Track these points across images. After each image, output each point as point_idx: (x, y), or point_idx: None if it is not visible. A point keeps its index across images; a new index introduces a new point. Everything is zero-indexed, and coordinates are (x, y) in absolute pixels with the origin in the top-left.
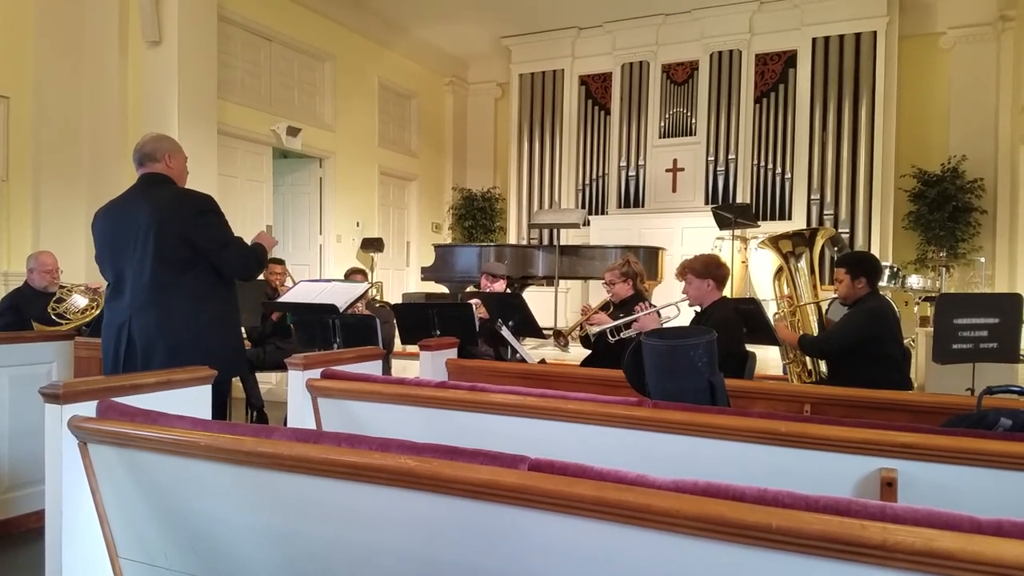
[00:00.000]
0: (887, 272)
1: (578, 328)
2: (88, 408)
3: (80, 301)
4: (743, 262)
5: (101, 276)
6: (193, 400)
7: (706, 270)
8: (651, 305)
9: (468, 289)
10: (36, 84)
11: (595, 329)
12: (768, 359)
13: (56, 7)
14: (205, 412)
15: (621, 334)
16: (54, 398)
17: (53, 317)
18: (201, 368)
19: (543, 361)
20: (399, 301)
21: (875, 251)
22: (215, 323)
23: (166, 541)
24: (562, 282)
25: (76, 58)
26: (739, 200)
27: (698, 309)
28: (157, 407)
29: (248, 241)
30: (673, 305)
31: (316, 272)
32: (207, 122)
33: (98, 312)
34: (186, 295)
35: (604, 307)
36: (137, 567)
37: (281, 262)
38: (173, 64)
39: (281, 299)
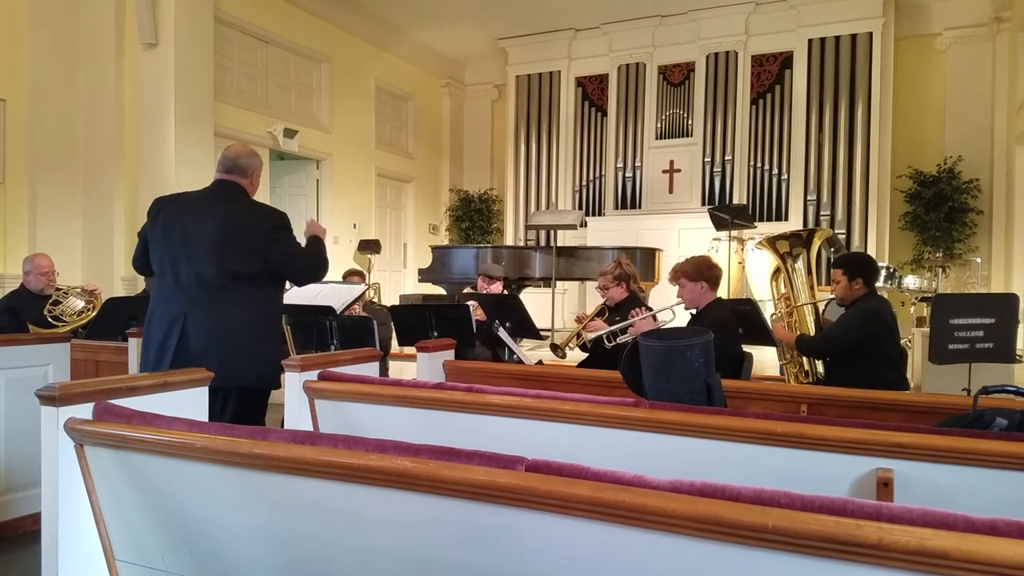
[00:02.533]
0: (883, 273)
1: (575, 337)
2: (84, 410)
3: (76, 303)
4: (740, 263)
5: (133, 265)
6: (190, 402)
7: (698, 272)
8: (647, 308)
9: (465, 290)
10: (32, 86)
11: (591, 335)
12: (765, 360)
13: (52, 9)
14: (202, 414)
15: (617, 339)
16: (50, 400)
17: (49, 319)
18: (198, 370)
19: (540, 362)
20: (396, 303)
21: (872, 252)
22: (266, 334)
23: (163, 543)
24: (559, 283)
25: (72, 60)
26: (736, 201)
27: (694, 312)
28: (154, 409)
29: (302, 238)
30: (668, 309)
31: None
32: (203, 124)
33: (95, 314)
34: (244, 304)
35: (600, 312)
36: (134, 569)
37: None
38: (169, 66)
39: None
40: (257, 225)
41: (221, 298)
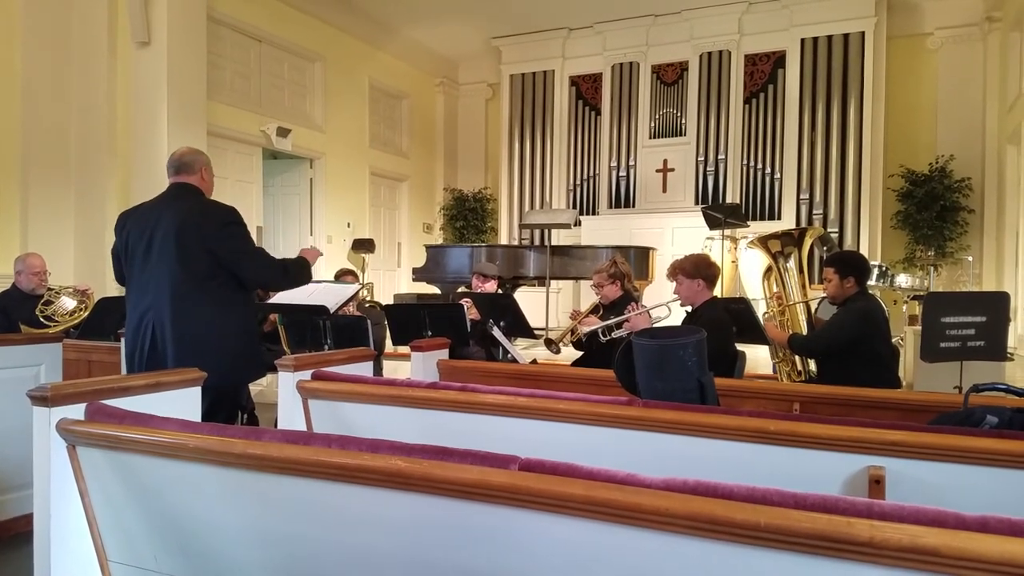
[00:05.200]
0: (876, 271)
1: (569, 333)
2: (76, 411)
3: (68, 303)
4: (733, 262)
5: (115, 278)
6: (182, 402)
7: (696, 270)
8: (642, 306)
9: (459, 290)
10: (24, 85)
11: (586, 329)
12: (758, 358)
13: (44, 7)
14: (195, 414)
15: (612, 334)
16: (42, 401)
17: (41, 319)
18: (191, 370)
19: (534, 361)
20: (390, 302)
21: (864, 250)
22: (232, 331)
23: (156, 544)
24: (553, 282)
25: (64, 59)
26: (729, 200)
27: (689, 309)
28: (146, 409)
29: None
30: (664, 305)
31: None
32: (196, 123)
33: (87, 314)
34: (206, 302)
35: (594, 310)
36: (127, 570)
37: None
38: (162, 65)
39: (271, 300)
40: (208, 221)
41: (183, 300)
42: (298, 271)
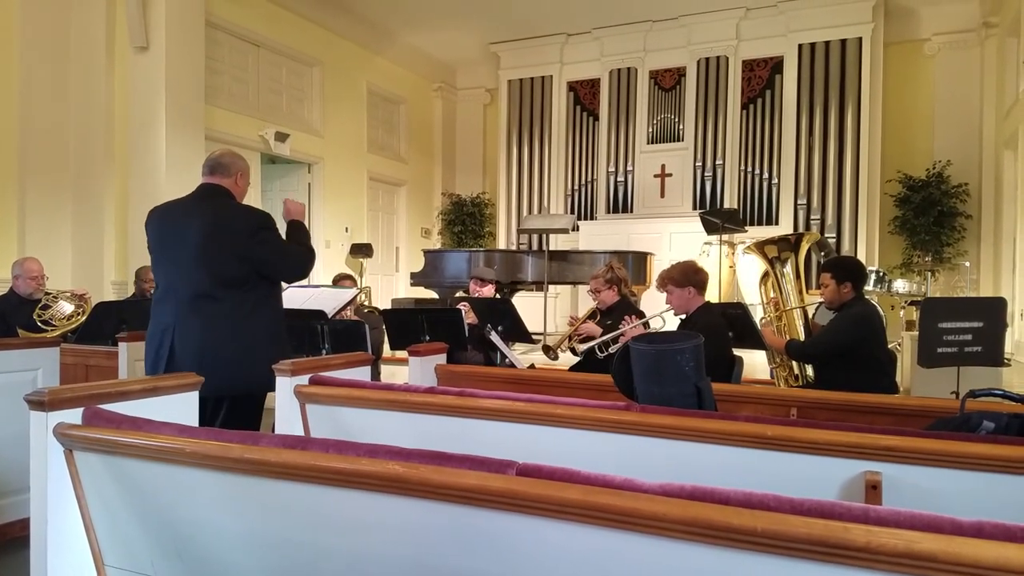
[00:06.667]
0: (873, 276)
1: (567, 340)
2: (74, 415)
3: (66, 308)
4: (731, 267)
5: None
6: (180, 407)
7: (685, 278)
8: (639, 315)
9: (457, 294)
10: (21, 89)
11: (583, 347)
12: (755, 363)
13: (42, 12)
14: (192, 419)
15: (609, 349)
16: (39, 405)
17: (39, 324)
18: (188, 374)
19: (532, 366)
20: (388, 307)
21: (861, 255)
22: (255, 340)
23: (153, 549)
24: (551, 287)
25: (62, 63)
26: (726, 205)
27: (683, 317)
28: (144, 414)
29: (283, 223)
30: (659, 316)
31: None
32: (194, 128)
33: (84, 319)
34: (232, 310)
35: (591, 315)
36: (124, 575)
37: None
38: (160, 70)
39: None
40: (240, 227)
41: (208, 306)
42: (307, 238)
